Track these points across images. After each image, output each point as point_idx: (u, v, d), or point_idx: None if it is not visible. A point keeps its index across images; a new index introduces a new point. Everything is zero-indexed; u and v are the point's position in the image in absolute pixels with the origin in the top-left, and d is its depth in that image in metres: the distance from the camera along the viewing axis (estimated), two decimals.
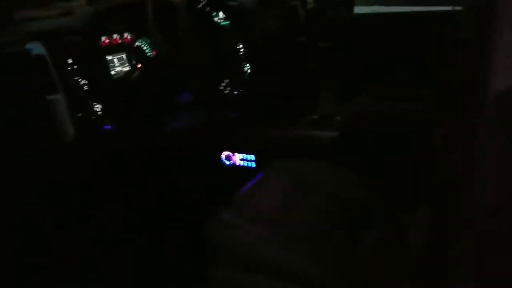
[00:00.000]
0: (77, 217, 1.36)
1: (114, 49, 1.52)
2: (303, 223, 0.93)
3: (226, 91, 1.40)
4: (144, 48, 1.58)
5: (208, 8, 1.41)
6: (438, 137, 1.09)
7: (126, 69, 1.56)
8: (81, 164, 1.30)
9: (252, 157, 1.75)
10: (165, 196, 1.68)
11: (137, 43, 1.61)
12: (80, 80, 1.25)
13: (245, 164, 1.78)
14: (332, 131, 1.58)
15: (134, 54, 1.58)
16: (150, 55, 1.55)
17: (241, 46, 1.54)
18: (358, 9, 2.21)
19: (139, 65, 1.60)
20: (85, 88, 1.25)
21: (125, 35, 1.58)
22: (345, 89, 1.68)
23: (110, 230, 1.49)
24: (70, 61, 1.24)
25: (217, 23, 1.49)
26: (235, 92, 1.43)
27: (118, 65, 1.54)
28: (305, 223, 0.93)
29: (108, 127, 1.34)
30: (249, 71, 1.56)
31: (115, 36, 1.54)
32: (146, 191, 1.62)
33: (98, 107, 1.29)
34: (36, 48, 1.18)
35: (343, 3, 2.18)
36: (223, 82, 1.39)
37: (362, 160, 1.42)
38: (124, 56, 1.57)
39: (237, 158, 1.79)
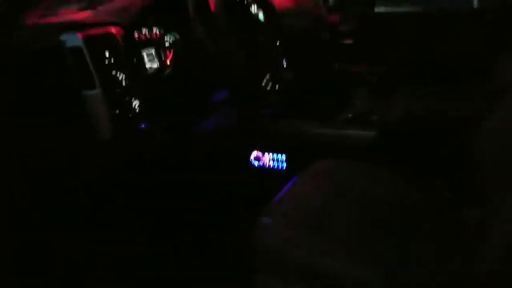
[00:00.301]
0: (107, 217, 1.26)
1: (143, 44, 1.41)
2: (345, 227, 0.89)
3: (268, 88, 1.30)
4: (174, 43, 1.49)
5: (246, 2, 1.33)
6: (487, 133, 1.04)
7: (155, 65, 1.46)
8: (116, 164, 1.19)
9: (283, 157, 1.67)
10: (191, 197, 1.59)
11: (166, 39, 1.52)
12: (117, 75, 1.14)
13: (276, 165, 1.69)
14: (369, 130, 1.51)
15: (164, 50, 1.48)
16: (182, 51, 1.45)
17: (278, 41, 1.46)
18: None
19: (168, 62, 1.51)
20: (123, 83, 1.14)
21: (154, 30, 1.48)
22: (382, 87, 1.61)
23: (137, 230, 1.39)
24: (107, 54, 1.13)
25: (255, 17, 1.40)
26: (276, 89, 1.34)
27: (148, 61, 1.44)
28: (348, 227, 0.89)
29: (143, 126, 1.23)
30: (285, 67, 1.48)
31: (144, 31, 1.44)
32: (172, 192, 1.52)
33: (135, 104, 1.19)
34: (72, 39, 1.07)
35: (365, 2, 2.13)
36: (264, 78, 1.30)
37: (407, 160, 1.36)
38: (153, 52, 1.46)
39: (267, 159, 1.71)
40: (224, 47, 1.18)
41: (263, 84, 1.30)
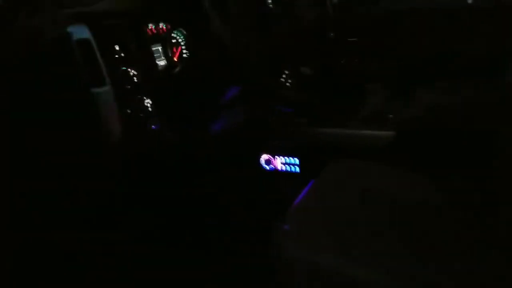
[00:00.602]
0: (116, 224, 1.16)
1: (151, 40, 1.32)
2: (369, 232, 0.84)
3: (288, 84, 1.22)
4: (185, 39, 1.39)
5: None
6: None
7: (163, 63, 1.36)
8: (125, 166, 1.09)
9: (296, 160, 1.60)
10: (199, 201, 1.49)
11: (173, 34, 1.42)
12: (129, 71, 1.04)
13: (288, 169, 1.62)
14: (386, 129, 1.46)
15: (171, 47, 1.39)
16: (192, 47, 1.36)
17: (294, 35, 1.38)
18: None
19: (176, 59, 1.41)
20: (135, 80, 1.05)
21: (161, 25, 1.39)
22: (398, 84, 1.55)
23: (144, 232, 1.30)
24: (117, 48, 1.03)
25: (271, 9, 1.32)
26: (295, 85, 1.26)
27: (155, 58, 1.34)
28: (369, 232, 0.84)
29: (154, 126, 1.14)
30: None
31: (150, 26, 1.34)
32: (179, 195, 1.43)
33: (147, 103, 1.09)
34: (79, 31, 0.97)
35: None
36: (284, 74, 1.22)
37: (427, 159, 1.30)
38: (160, 48, 1.37)
39: (279, 162, 1.63)
40: (243, 40, 1.09)
41: (282, 79, 1.21)
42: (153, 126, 1.11)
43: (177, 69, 1.33)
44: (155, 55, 1.33)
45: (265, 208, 1.48)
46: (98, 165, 1.03)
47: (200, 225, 1.46)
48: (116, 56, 1.02)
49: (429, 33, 1.88)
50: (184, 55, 1.42)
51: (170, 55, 1.40)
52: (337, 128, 1.53)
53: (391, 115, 1.54)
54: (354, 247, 0.80)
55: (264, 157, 1.62)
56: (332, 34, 1.93)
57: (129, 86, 1.03)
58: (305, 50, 1.56)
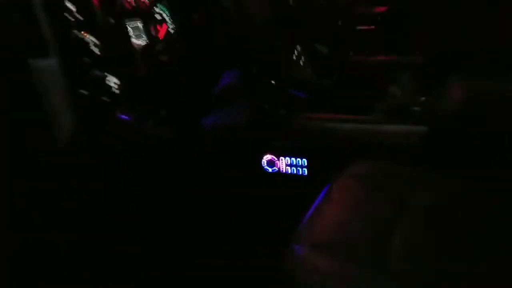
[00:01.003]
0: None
1: (127, 14, 1.03)
2: (398, 253, 0.70)
3: (301, 62, 0.94)
4: (167, 15, 1.12)
5: None
6: None
7: (141, 42, 1.08)
8: (82, 169, 0.81)
9: (304, 162, 1.32)
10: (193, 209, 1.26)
11: (156, 9, 1.15)
12: (86, 39, 0.75)
13: (294, 171, 1.34)
14: (413, 125, 1.18)
15: (154, 24, 1.11)
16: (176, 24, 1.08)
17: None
18: None
19: (160, 36, 1.14)
20: (95, 51, 0.76)
21: None
22: (427, 74, 1.28)
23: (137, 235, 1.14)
24: (71, 6, 0.74)
25: None
26: (308, 64, 0.98)
27: (134, 36, 1.06)
28: (401, 252, 0.70)
29: (125, 116, 0.85)
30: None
31: None
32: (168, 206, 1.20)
33: (113, 83, 0.80)
34: None
35: None
36: (295, 49, 0.94)
37: (465, 161, 1.05)
38: (139, 25, 1.09)
39: (283, 163, 1.35)
40: (250, 9, 0.81)
41: (294, 57, 0.93)
42: (121, 115, 0.82)
43: (158, 48, 1.04)
44: (134, 33, 1.05)
45: (266, 215, 1.29)
46: (51, 162, 0.75)
47: (198, 226, 1.26)
48: (71, 18, 0.73)
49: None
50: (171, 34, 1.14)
51: (153, 33, 1.12)
52: (355, 123, 1.27)
53: (417, 108, 1.27)
54: (382, 271, 0.66)
55: (267, 157, 1.34)
56: (340, 22, 1.66)
57: (85, 59, 0.74)
58: (317, 26, 1.29)
